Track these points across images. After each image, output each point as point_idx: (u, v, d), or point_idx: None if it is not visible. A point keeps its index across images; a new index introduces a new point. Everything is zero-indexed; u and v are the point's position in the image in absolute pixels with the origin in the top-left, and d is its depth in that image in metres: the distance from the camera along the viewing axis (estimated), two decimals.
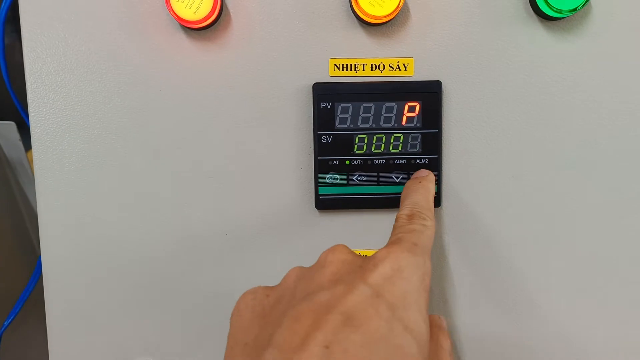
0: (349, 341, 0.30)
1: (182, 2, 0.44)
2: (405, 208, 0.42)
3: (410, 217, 0.41)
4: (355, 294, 0.32)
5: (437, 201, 0.48)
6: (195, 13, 0.44)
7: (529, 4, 0.47)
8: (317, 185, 0.48)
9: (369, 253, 0.48)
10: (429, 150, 0.48)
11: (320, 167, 0.48)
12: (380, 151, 0.48)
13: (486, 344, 0.50)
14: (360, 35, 0.47)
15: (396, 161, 0.48)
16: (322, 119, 0.48)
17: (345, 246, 0.37)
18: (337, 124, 0.48)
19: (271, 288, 0.37)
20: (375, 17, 0.44)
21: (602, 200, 0.49)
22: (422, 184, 0.45)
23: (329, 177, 0.48)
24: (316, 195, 0.49)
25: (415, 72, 0.48)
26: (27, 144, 0.73)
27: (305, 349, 0.30)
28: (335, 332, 0.30)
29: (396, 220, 0.41)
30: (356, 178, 0.49)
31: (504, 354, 0.51)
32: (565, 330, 0.50)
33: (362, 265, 0.35)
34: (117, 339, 0.51)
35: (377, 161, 0.48)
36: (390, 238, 0.39)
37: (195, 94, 0.48)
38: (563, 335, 0.50)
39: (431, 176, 0.46)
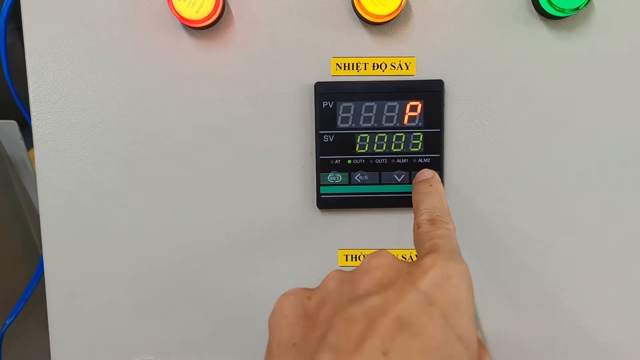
0: (407, 348, 0.30)
1: (184, 1, 0.44)
2: (424, 213, 0.41)
3: (432, 222, 0.39)
4: (407, 300, 0.32)
5: None
6: (197, 12, 0.44)
7: (531, 3, 0.47)
8: (318, 185, 0.48)
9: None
10: (431, 150, 0.48)
11: (322, 167, 0.48)
12: (382, 150, 0.48)
13: (493, 342, 0.51)
14: (362, 34, 0.47)
15: (398, 160, 0.48)
16: (324, 118, 0.48)
17: (388, 251, 0.36)
18: (339, 123, 0.48)
19: (311, 290, 0.36)
20: (377, 16, 0.44)
21: (604, 200, 0.49)
22: (433, 187, 0.44)
23: (330, 177, 0.48)
24: (318, 195, 0.49)
25: (417, 71, 0.48)
26: (28, 143, 0.73)
27: (362, 353, 0.29)
28: (392, 338, 0.30)
29: (418, 227, 0.40)
30: (358, 177, 0.48)
31: (516, 354, 0.51)
32: (576, 328, 0.50)
33: (409, 271, 0.34)
34: (118, 338, 0.51)
35: (379, 160, 0.48)
36: (422, 245, 0.38)
37: (197, 93, 0.48)
38: (571, 332, 0.50)
39: (437, 176, 0.46)
